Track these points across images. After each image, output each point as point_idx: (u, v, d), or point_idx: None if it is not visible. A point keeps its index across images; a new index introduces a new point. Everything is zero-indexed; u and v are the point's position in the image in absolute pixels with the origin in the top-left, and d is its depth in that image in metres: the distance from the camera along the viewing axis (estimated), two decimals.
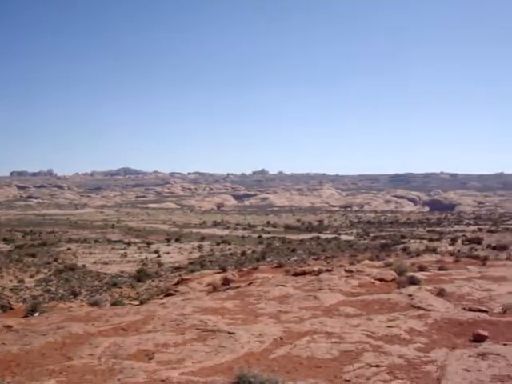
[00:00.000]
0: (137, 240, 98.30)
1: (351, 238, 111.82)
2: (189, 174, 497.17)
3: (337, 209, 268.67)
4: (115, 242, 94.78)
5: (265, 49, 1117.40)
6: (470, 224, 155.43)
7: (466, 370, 7.25)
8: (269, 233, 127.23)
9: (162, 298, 19.81)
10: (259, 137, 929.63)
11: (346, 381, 7.05)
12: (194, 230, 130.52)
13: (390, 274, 17.41)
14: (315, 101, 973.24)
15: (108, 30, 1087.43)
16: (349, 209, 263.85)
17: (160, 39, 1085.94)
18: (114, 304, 19.86)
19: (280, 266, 27.04)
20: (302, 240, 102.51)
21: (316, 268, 20.93)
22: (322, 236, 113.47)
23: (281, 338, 9.40)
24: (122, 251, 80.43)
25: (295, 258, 61.96)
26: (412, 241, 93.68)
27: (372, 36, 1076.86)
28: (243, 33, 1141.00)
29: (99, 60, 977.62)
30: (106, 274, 59.89)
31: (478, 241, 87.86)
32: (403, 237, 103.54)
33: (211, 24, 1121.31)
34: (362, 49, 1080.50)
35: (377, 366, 7.58)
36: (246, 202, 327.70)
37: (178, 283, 24.66)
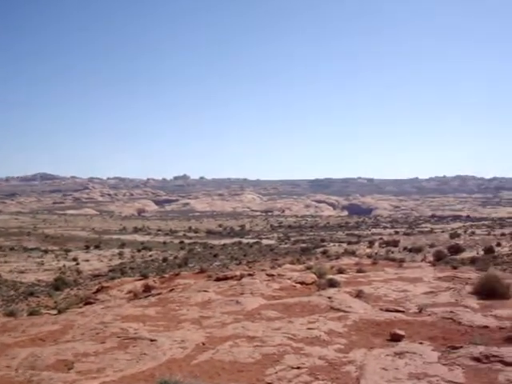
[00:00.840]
0: (54, 247, 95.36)
1: (272, 242, 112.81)
2: (108, 179, 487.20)
3: (258, 213, 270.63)
4: (31, 249, 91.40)
5: (186, 51, 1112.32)
6: (386, 227, 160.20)
7: (383, 368, 7.46)
8: (190, 238, 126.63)
9: (81, 307, 19.31)
10: (181, 141, 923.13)
11: (268, 383, 7.12)
12: (114, 237, 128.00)
13: (311, 276, 17.69)
14: (235, 106, 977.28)
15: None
16: (270, 213, 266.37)
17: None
18: (31, 314, 19.18)
19: (202, 271, 26.92)
20: (224, 245, 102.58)
21: (238, 273, 20.97)
22: (244, 241, 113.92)
23: (203, 344, 9.38)
24: (39, 259, 77.73)
25: (217, 263, 61.86)
26: (331, 244, 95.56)
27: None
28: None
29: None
30: (22, 282, 57.68)
31: (395, 243, 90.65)
32: (323, 240, 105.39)
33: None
34: (283, 51, 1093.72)
35: (298, 367, 7.69)
36: (168, 208, 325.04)
37: (97, 291, 24.09)
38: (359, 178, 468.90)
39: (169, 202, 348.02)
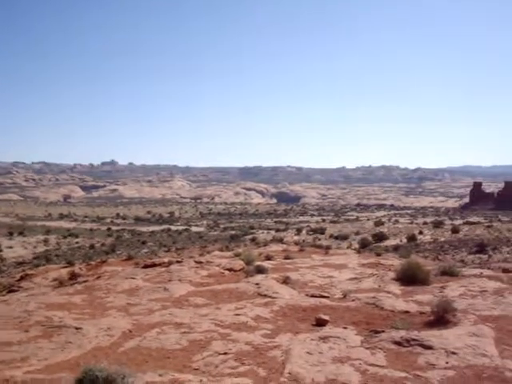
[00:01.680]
0: None
1: (202, 229, 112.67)
2: (33, 163, 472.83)
3: (187, 200, 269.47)
4: None
5: (120, 41, 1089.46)
6: (314, 215, 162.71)
7: (308, 353, 7.62)
8: (118, 225, 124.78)
9: (4, 295, 18.72)
10: (109, 126, 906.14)
11: (195, 369, 7.14)
12: (39, 223, 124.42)
13: (239, 263, 17.80)
14: (165, 91, 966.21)
15: None
16: (199, 200, 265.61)
17: None
18: None
19: (130, 258, 26.57)
20: (152, 232, 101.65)
21: (166, 260, 20.85)
22: (173, 228, 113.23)
23: (130, 331, 9.30)
24: None
25: (145, 251, 61.30)
26: (260, 231, 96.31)
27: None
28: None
29: None
30: None
31: (322, 231, 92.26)
32: (252, 228, 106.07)
33: None
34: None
35: (225, 353, 7.75)
36: (95, 194, 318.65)
37: (21, 279, 23.38)
38: (288, 166, 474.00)
39: (96, 187, 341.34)
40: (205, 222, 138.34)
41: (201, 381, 6.65)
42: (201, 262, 18.76)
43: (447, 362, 7.00)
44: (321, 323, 9.28)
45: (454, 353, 7.28)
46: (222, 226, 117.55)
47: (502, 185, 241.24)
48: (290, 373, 6.83)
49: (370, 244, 75.31)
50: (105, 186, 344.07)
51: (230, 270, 16.88)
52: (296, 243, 46.83)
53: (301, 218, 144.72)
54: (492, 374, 6.59)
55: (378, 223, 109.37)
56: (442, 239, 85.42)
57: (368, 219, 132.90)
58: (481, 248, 69.44)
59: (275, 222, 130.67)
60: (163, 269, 17.84)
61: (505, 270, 23.44)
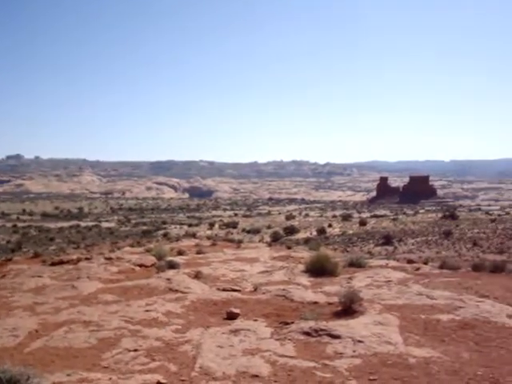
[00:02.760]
0: None
1: (112, 225, 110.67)
2: None
3: (97, 195, 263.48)
4: None
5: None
6: (226, 209, 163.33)
7: (219, 346, 7.64)
8: (25, 221, 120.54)
9: None
10: (14, 119, 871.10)
11: (105, 368, 7.00)
12: None
13: (150, 259, 17.59)
14: (70, 81, 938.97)
15: None
16: (110, 196, 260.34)
17: None
18: None
19: (37, 256, 25.75)
20: (60, 228, 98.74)
21: (75, 257, 20.30)
22: (82, 224, 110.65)
23: (36, 331, 9.00)
24: None
25: (53, 248, 59.53)
26: (173, 226, 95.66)
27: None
28: None
29: None
30: None
31: (234, 225, 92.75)
32: (164, 223, 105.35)
33: None
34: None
35: (135, 350, 7.65)
36: None
37: None
38: (201, 160, 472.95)
39: (0, 182, 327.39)
40: (115, 217, 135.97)
41: (110, 379, 6.53)
42: (111, 259, 18.38)
43: (354, 351, 7.22)
44: (232, 316, 9.33)
45: (360, 341, 7.52)
46: (133, 222, 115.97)
47: (406, 179, 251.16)
48: (200, 367, 6.83)
49: (282, 237, 76.62)
50: (9, 180, 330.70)
51: (140, 265, 16.64)
52: (209, 238, 46.86)
53: (213, 213, 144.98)
54: (396, 361, 6.86)
55: (290, 217, 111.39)
56: (351, 232, 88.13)
57: (279, 213, 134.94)
58: (387, 240, 72.26)
59: (188, 216, 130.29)
60: (71, 266, 17.34)
61: (409, 261, 24.45)
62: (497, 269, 16.56)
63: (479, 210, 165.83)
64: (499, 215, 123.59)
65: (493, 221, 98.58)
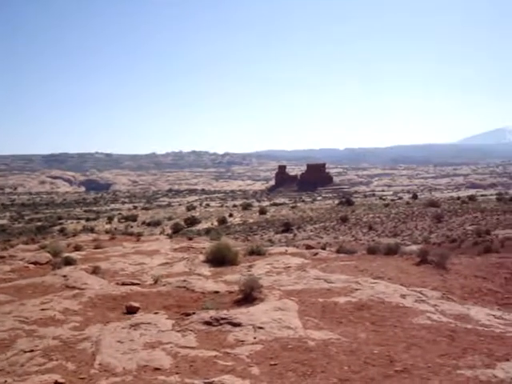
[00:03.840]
0: None
1: (4, 222, 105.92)
2: None
3: None
4: None
5: None
6: (125, 202, 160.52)
7: (119, 341, 7.48)
8: None
9: None
10: None
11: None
12: None
13: (45, 256, 16.97)
14: None
15: None
16: (1, 191, 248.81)
17: None
18: None
19: None
20: None
21: None
22: None
23: None
24: None
25: None
26: (69, 221, 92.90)
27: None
28: None
29: None
30: None
31: (134, 218, 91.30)
32: (60, 218, 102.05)
33: None
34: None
35: (31, 350, 7.35)
36: None
37: None
38: (97, 152, 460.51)
39: None
40: (7, 213, 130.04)
41: (5, 381, 6.26)
42: (3, 257, 17.58)
43: (255, 338, 7.30)
44: (132, 311, 9.17)
45: (261, 328, 7.61)
46: (26, 218, 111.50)
47: (304, 168, 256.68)
48: (100, 364, 6.67)
49: (183, 228, 76.28)
50: None
51: (35, 263, 16.02)
52: (107, 232, 45.81)
53: (112, 206, 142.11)
54: (296, 345, 7.00)
55: (190, 208, 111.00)
56: (251, 221, 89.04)
57: (180, 204, 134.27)
58: (287, 227, 73.61)
59: (85, 211, 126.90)
60: None
61: (308, 247, 25.05)
62: (390, 251, 17.27)
63: (373, 195, 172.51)
64: (392, 200, 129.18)
65: (386, 205, 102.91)
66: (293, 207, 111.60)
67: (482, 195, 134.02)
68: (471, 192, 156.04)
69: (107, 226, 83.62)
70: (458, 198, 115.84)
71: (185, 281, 11.36)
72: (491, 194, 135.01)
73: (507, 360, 6.32)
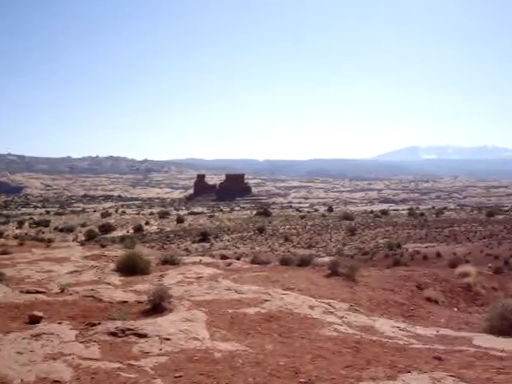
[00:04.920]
0: None
1: None
2: None
3: None
4: None
5: None
6: (37, 207, 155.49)
7: (19, 352, 7.17)
8: None
9: None
10: None
11: None
12: None
13: None
14: None
15: None
16: None
17: None
18: None
19: None
20: None
21: None
22: None
23: None
24: None
25: None
26: None
27: None
28: None
29: None
30: None
31: (46, 223, 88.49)
32: None
33: None
34: None
35: None
36: None
37: None
38: (9, 154, 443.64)
39: None
40: None
41: None
42: None
43: (161, 349, 7.18)
44: (35, 320, 8.81)
45: (167, 339, 7.50)
46: None
47: (223, 177, 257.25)
48: None
49: (97, 236, 74.69)
50: None
51: None
52: (16, 237, 44.13)
53: (23, 210, 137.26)
54: (203, 356, 6.93)
55: (105, 214, 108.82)
56: (168, 229, 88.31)
57: (95, 210, 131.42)
58: (204, 237, 73.51)
59: None
60: None
61: (223, 257, 25.08)
62: (303, 262, 17.56)
63: (290, 207, 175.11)
64: (308, 212, 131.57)
65: (303, 217, 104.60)
66: (211, 216, 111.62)
67: (395, 210, 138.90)
68: (384, 206, 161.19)
69: (18, 231, 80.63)
70: (372, 212, 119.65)
71: (93, 290, 11.05)
72: (403, 209, 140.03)
73: (408, 372, 6.46)
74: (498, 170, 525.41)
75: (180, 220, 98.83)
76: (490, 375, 6.32)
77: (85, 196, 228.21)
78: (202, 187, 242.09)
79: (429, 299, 13.33)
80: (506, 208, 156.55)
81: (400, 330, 9.07)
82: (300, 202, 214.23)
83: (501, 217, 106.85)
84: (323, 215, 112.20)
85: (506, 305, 9.71)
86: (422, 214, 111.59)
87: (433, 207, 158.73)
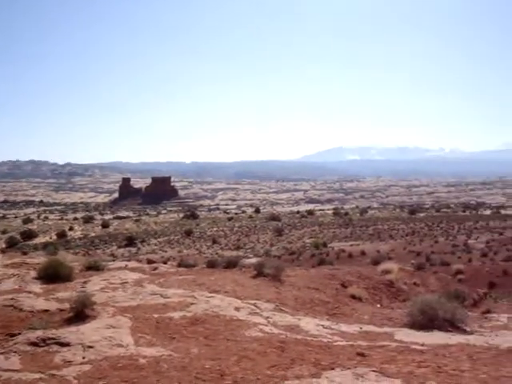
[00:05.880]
0: None
1: None
2: None
3: None
4: None
5: None
6: None
7: None
8: None
9: None
10: None
11: None
12: None
13: None
14: None
15: None
16: None
17: None
18: None
19: None
20: None
21: None
22: None
23: None
24: None
25: None
26: None
27: None
28: None
29: None
30: None
31: None
32: None
33: None
34: None
35: None
36: None
37: None
38: None
39: None
40: None
41: None
42: None
43: (84, 357, 7.04)
44: None
45: (90, 347, 7.36)
46: None
47: (149, 180, 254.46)
48: None
49: (18, 243, 72.33)
50: None
51: None
52: None
53: None
54: (127, 363, 6.84)
55: (27, 220, 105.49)
56: (93, 234, 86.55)
57: (16, 217, 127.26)
58: (130, 241, 72.49)
59: None
60: None
61: (149, 261, 24.80)
62: (230, 264, 17.60)
63: (218, 209, 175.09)
64: (236, 214, 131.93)
65: (230, 219, 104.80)
66: (137, 221, 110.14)
67: (320, 210, 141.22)
68: (310, 207, 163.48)
69: None
70: (298, 213, 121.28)
71: (13, 299, 10.67)
72: (328, 209, 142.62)
73: (332, 369, 6.59)
74: (419, 169, 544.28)
75: (105, 225, 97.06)
76: (411, 369, 6.54)
77: (5, 202, 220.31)
78: (127, 191, 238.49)
79: (353, 296, 13.64)
80: (427, 206, 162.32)
81: (324, 327, 9.23)
82: (227, 204, 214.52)
83: (422, 215, 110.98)
84: (250, 217, 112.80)
85: (425, 300, 10.07)
86: (346, 214, 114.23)
87: (357, 206, 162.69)
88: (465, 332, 9.36)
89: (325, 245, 60.49)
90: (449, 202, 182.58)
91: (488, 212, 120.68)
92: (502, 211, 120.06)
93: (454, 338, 8.58)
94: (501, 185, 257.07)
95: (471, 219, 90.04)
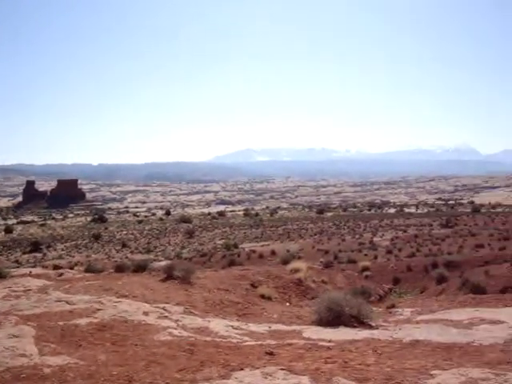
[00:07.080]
0: None
1: None
2: None
3: None
4: None
5: None
6: None
7: None
8: None
9: None
10: None
11: None
12: None
13: None
14: None
15: None
16: None
17: None
18: None
19: None
20: None
21: None
22: None
23: None
24: None
25: None
26: None
27: None
28: None
29: None
30: None
31: None
32: None
33: None
34: None
35: None
36: None
37: None
38: None
39: None
40: None
41: None
42: None
43: None
44: None
45: None
46: None
47: (55, 183, 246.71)
48: None
49: None
50: None
51: None
52: None
53: None
54: (31, 373, 6.60)
55: None
56: None
57: None
58: (36, 247, 70.00)
59: None
60: None
61: (56, 267, 24.08)
62: (139, 268, 17.38)
63: (127, 212, 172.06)
64: (146, 217, 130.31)
65: (140, 222, 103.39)
66: (42, 225, 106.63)
67: (231, 211, 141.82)
68: (221, 208, 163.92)
69: None
70: (209, 214, 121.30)
71: None
72: (239, 210, 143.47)
73: (241, 369, 6.63)
74: (326, 169, 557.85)
75: (8, 230, 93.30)
76: (319, 365, 6.69)
77: None
78: (31, 194, 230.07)
79: (262, 296, 13.83)
80: (335, 205, 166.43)
81: (234, 328, 9.29)
82: (137, 207, 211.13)
83: (330, 214, 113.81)
84: (161, 219, 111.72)
85: (332, 297, 10.33)
86: (257, 214, 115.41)
87: (267, 207, 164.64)
88: (370, 327, 9.67)
89: (236, 246, 60.76)
90: (355, 202, 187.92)
91: (392, 210, 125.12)
92: (406, 209, 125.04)
93: (360, 334, 8.86)
94: (404, 184, 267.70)
95: (376, 218, 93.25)
